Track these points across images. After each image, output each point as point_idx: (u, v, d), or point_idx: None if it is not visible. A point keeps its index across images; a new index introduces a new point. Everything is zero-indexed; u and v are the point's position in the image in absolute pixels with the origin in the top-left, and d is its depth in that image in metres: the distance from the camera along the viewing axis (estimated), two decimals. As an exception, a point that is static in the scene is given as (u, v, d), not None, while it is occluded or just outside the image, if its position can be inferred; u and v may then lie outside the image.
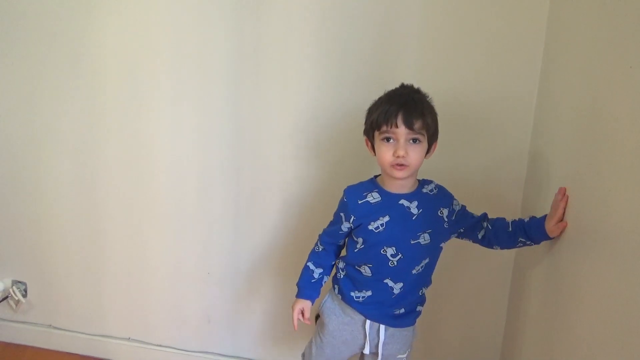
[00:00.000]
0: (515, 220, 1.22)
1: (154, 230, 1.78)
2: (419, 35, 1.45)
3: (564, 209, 1.07)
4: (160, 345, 1.91)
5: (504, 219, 1.25)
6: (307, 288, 1.33)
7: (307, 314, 1.33)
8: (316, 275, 1.33)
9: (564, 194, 1.07)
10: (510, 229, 1.21)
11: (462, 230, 1.26)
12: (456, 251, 1.47)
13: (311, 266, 1.34)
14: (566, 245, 1.08)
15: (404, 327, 1.28)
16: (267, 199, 1.67)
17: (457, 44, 1.44)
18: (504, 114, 1.45)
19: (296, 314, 1.32)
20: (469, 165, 1.51)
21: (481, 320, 1.64)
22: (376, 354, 1.28)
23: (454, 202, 1.25)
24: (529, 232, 1.17)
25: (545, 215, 1.13)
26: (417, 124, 1.10)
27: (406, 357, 1.32)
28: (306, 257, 1.38)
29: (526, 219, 1.20)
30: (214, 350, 1.87)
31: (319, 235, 1.36)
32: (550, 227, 1.10)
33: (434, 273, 1.30)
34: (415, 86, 1.20)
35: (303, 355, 1.49)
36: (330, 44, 1.51)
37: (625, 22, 0.88)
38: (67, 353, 1.98)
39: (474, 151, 1.50)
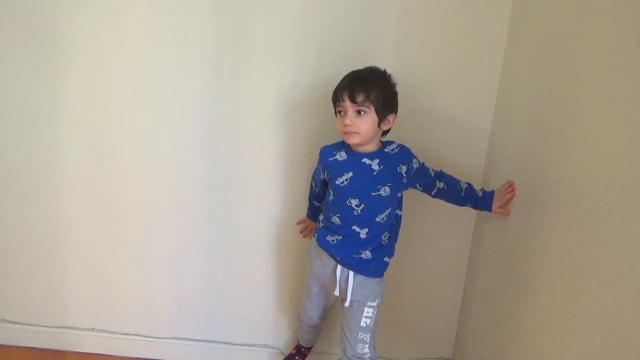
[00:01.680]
0: (468, 188, 1.46)
1: (123, 218, 1.75)
2: (396, 23, 1.54)
3: (508, 200, 1.36)
4: (127, 334, 1.88)
5: (458, 182, 1.46)
6: (310, 212, 1.65)
7: (305, 228, 1.70)
8: (315, 205, 1.62)
9: (513, 189, 1.34)
10: (463, 194, 1.45)
11: (419, 186, 1.45)
12: (417, 222, 1.66)
13: (313, 201, 1.62)
14: (515, 215, 1.31)
15: (372, 277, 1.43)
16: (242, 187, 1.70)
17: (429, 34, 1.54)
18: (469, 98, 1.59)
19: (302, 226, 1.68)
20: (438, 141, 1.63)
21: (441, 286, 1.80)
22: (343, 299, 1.43)
23: (413, 160, 1.41)
24: (477, 204, 1.45)
25: (493, 193, 1.41)
26: (360, 98, 1.28)
27: (376, 305, 1.45)
28: (278, 244, 1.74)
29: (479, 193, 1.45)
30: (186, 336, 1.88)
31: (312, 177, 1.58)
32: (494, 208, 1.40)
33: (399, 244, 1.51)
34: (385, 70, 1.36)
35: (299, 313, 1.68)
36: (310, 33, 1.55)
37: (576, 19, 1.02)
38: (24, 347, 1.89)
39: (442, 131, 1.62)
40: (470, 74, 1.56)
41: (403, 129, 1.57)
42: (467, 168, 1.63)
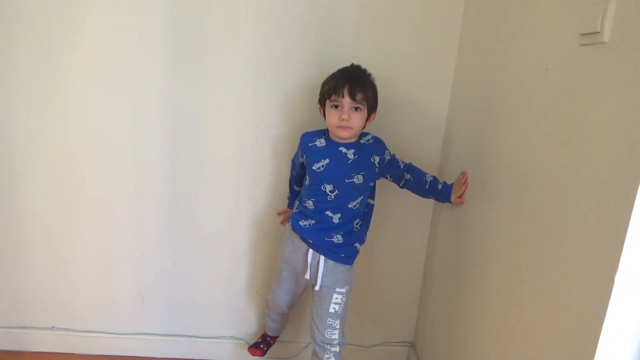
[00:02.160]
0: (432, 181, 1.55)
1: (82, 213, 1.71)
2: (355, 20, 1.56)
3: (464, 190, 1.43)
4: (89, 331, 1.85)
5: (424, 176, 1.55)
6: (291, 199, 1.68)
7: (282, 216, 1.71)
8: (296, 190, 1.65)
9: (466, 180, 1.42)
10: (427, 187, 1.54)
11: (390, 177, 1.54)
12: (378, 211, 1.69)
13: (294, 185, 1.65)
14: (467, 202, 1.37)
15: (342, 264, 1.48)
16: (203, 178, 1.69)
17: (388, 30, 1.58)
18: (426, 92, 1.64)
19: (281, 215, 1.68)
20: (397, 133, 1.67)
21: (401, 272, 1.85)
22: (314, 284, 1.48)
23: (386, 152, 1.50)
24: (439, 196, 1.53)
25: (451, 186, 1.50)
26: (359, 96, 1.37)
27: (345, 292, 1.50)
28: (242, 235, 1.71)
29: (440, 185, 1.53)
30: (149, 331, 1.86)
31: (292, 160, 1.62)
32: (453, 199, 1.49)
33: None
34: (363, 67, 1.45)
35: (267, 300, 1.70)
36: (271, 26, 1.56)
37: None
38: (-21, 349, 1.84)
39: (402, 122, 1.67)
40: (427, 68, 1.62)
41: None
42: (425, 158, 1.68)
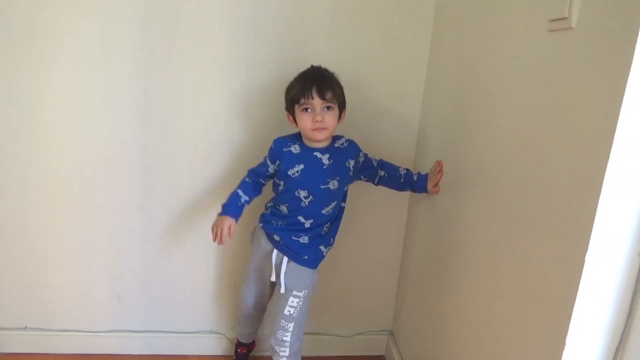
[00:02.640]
0: (406, 173, 1.54)
1: (53, 210, 1.67)
2: (328, 23, 1.56)
3: (440, 178, 1.43)
4: (63, 330, 1.81)
5: (397, 170, 1.54)
6: (234, 207, 1.47)
7: (233, 231, 1.43)
8: (242, 201, 1.48)
9: (441, 169, 1.41)
10: (402, 180, 1.53)
11: (364, 177, 1.53)
12: (356, 201, 1.71)
13: (240, 192, 1.49)
14: (442, 192, 1.38)
15: (304, 267, 1.47)
16: (178, 176, 1.66)
17: (359, 22, 1.57)
18: (400, 83, 1.65)
19: (226, 229, 1.41)
20: (372, 131, 1.68)
21: (380, 261, 1.87)
22: (278, 284, 1.47)
23: (360, 154, 1.50)
24: (415, 187, 1.52)
25: (426, 177, 1.49)
26: (329, 95, 1.35)
27: (302, 296, 1.47)
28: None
29: (415, 177, 1.53)
30: (126, 328, 1.83)
31: (248, 171, 1.52)
32: (429, 188, 1.48)
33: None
34: (323, 66, 1.42)
35: (238, 304, 1.68)
36: (244, 30, 1.54)
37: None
38: (-52, 353, 1.79)
39: (376, 121, 1.67)
40: (399, 61, 1.62)
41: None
42: (400, 153, 1.69)
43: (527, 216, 0.95)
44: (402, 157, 1.69)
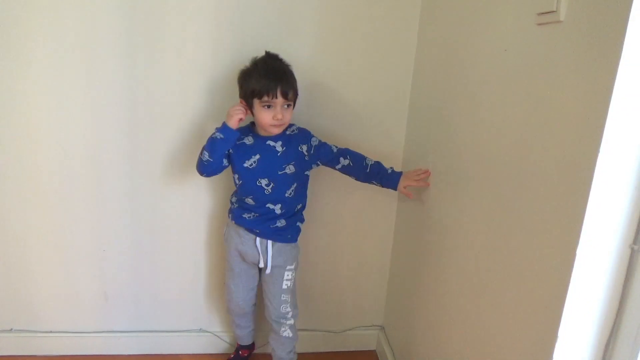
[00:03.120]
0: (374, 164, 1.52)
1: (38, 209, 1.64)
2: (314, 19, 1.55)
3: (419, 186, 1.45)
4: (50, 332, 1.79)
5: (364, 159, 1.53)
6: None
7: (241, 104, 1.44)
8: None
9: (427, 177, 1.43)
10: (368, 170, 1.51)
11: (320, 162, 1.54)
12: (346, 197, 1.72)
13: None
14: (433, 185, 1.36)
15: (287, 243, 1.56)
16: (164, 173, 1.64)
17: (347, 15, 1.56)
18: (387, 85, 1.65)
19: (237, 109, 1.42)
20: (360, 131, 1.68)
21: (370, 255, 1.87)
22: (265, 266, 1.54)
23: (312, 139, 1.53)
24: (383, 181, 1.51)
25: (400, 174, 1.49)
26: (290, 94, 1.41)
27: (294, 268, 1.59)
28: (205, 225, 1.73)
29: (388, 170, 1.51)
30: (114, 328, 1.82)
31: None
32: (400, 187, 1.48)
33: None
34: (276, 53, 1.45)
35: (227, 307, 1.70)
36: (228, 18, 1.52)
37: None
38: None
39: (362, 120, 1.67)
40: (387, 54, 1.61)
41: (325, 121, 1.64)
42: (388, 152, 1.70)
43: (516, 210, 0.95)
44: (390, 153, 1.69)
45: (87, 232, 1.68)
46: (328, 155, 1.52)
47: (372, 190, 1.72)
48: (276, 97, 1.37)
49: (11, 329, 1.78)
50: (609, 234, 0.76)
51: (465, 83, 1.22)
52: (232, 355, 1.78)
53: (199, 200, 1.69)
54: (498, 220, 1.03)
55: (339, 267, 1.85)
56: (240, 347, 1.76)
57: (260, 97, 1.38)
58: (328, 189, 1.71)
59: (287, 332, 1.61)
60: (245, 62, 1.50)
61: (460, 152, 1.24)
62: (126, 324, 1.82)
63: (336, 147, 1.54)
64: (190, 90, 1.56)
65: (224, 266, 1.78)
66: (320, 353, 1.90)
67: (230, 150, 1.47)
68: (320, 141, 1.54)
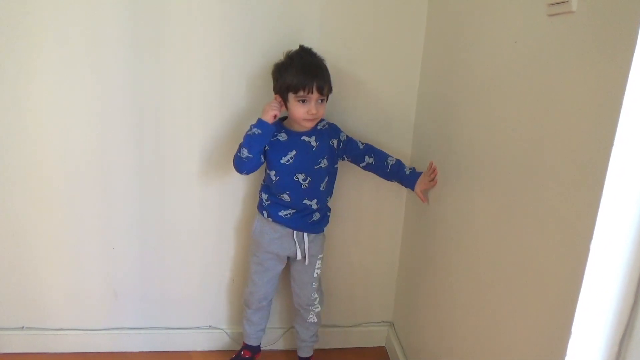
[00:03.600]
0: (394, 164, 1.56)
1: (47, 209, 1.64)
2: (321, 12, 1.54)
3: (429, 187, 1.48)
4: (60, 329, 1.80)
5: (386, 159, 1.56)
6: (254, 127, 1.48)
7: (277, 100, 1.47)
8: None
9: (435, 177, 1.44)
10: (389, 170, 1.56)
11: (347, 157, 1.58)
12: (353, 191, 1.72)
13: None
14: (444, 181, 1.33)
15: (319, 233, 1.62)
16: (171, 170, 1.64)
17: (353, 10, 1.55)
18: (395, 71, 1.63)
19: (273, 105, 1.44)
20: (367, 123, 1.68)
21: (379, 251, 1.86)
22: (304, 258, 1.59)
23: (341, 134, 1.57)
24: (403, 181, 1.57)
25: (417, 177, 1.52)
26: (325, 89, 1.43)
27: (323, 256, 1.67)
28: (214, 223, 1.73)
29: (407, 170, 1.55)
30: (124, 325, 1.82)
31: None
32: (416, 190, 1.52)
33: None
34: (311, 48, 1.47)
35: (245, 299, 1.71)
36: (236, 13, 1.51)
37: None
38: (-55, 355, 1.77)
39: (371, 113, 1.67)
40: (395, 49, 1.60)
41: (333, 112, 1.63)
42: (397, 145, 1.69)
43: (528, 204, 0.94)
44: (398, 147, 1.68)
45: (96, 231, 1.68)
46: (355, 151, 1.56)
47: (380, 186, 1.72)
48: (312, 92, 1.39)
49: (22, 327, 1.79)
50: (624, 228, 0.74)
51: (474, 76, 1.21)
52: (235, 355, 1.76)
53: (208, 197, 1.69)
54: (509, 215, 1.02)
55: (348, 263, 1.84)
56: (245, 347, 1.75)
57: (295, 92, 1.40)
58: (336, 186, 1.70)
59: (313, 318, 1.68)
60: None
61: (469, 147, 1.22)
62: (136, 321, 1.82)
63: (362, 143, 1.57)
64: (197, 89, 1.56)
65: (232, 263, 1.78)
66: (330, 349, 1.90)
67: (267, 147, 1.49)
68: (347, 136, 1.57)
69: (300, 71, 1.39)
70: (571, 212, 0.80)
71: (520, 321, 0.96)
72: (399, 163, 1.56)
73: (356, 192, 1.74)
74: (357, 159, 1.57)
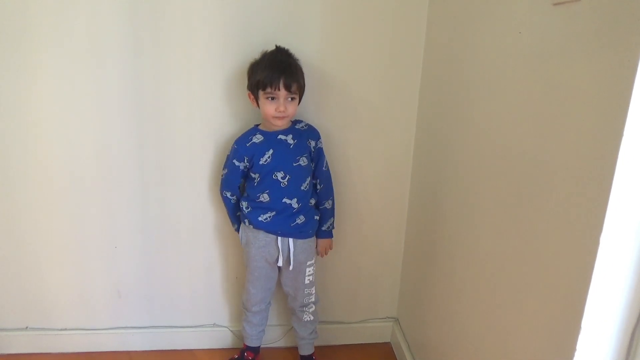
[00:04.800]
0: (326, 211, 1.63)
1: (49, 209, 1.63)
2: (321, 15, 1.52)
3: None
4: (64, 329, 1.79)
5: (327, 200, 1.62)
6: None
7: None
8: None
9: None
10: (320, 208, 1.62)
11: (312, 166, 1.57)
12: (355, 187, 1.71)
13: (231, 197, 1.59)
14: (450, 176, 1.30)
15: (307, 239, 1.58)
16: (174, 166, 1.63)
17: (353, 14, 1.54)
18: (397, 65, 1.60)
19: None
20: (367, 134, 1.67)
21: (383, 247, 1.85)
22: (288, 264, 1.57)
23: (319, 141, 1.57)
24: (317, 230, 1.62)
25: (326, 236, 1.64)
26: (294, 87, 1.42)
27: (314, 262, 1.63)
28: (216, 220, 1.71)
29: (322, 227, 1.63)
30: (128, 324, 1.82)
31: (223, 187, 1.58)
32: (320, 243, 1.64)
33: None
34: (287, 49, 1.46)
35: (243, 303, 1.70)
36: (237, 16, 1.50)
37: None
38: (-51, 356, 1.76)
39: (370, 123, 1.66)
40: (396, 42, 1.57)
41: (333, 123, 1.64)
42: (400, 139, 1.68)
43: (536, 197, 0.92)
44: (401, 141, 1.67)
45: (98, 230, 1.68)
46: (318, 166, 1.57)
47: (384, 181, 1.72)
48: (279, 89, 1.38)
49: (26, 327, 1.78)
50: (634, 222, 0.73)
51: (477, 67, 1.19)
52: (237, 356, 1.75)
53: (210, 196, 1.67)
54: (516, 208, 1.00)
55: (352, 258, 1.83)
56: (246, 349, 1.73)
57: (264, 89, 1.40)
58: (340, 181, 1.69)
59: (309, 317, 1.68)
60: (250, 60, 1.49)
61: (475, 140, 1.20)
62: (140, 320, 1.82)
63: (327, 167, 1.60)
64: (198, 89, 1.55)
65: (236, 260, 1.77)
66: (334, 346, 1.89)
67: (244, 159, 1.50)
68: (322, 149, 1.58)
69: (269, 67, 1.39)
70: (580, 206, 0.78)
71: (528, 316, 0.95)
72: (327, 212, 1.62)
73: (360, 187, 1.72)
74: (315, 171, 1.58)
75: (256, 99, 1.45)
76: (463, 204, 1.28)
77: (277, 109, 1.41)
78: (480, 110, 1.17)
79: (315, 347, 1.77)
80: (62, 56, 1.47)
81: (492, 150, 1.10)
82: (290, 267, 1.57)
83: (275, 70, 1.38)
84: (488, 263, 1.12)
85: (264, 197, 1.50)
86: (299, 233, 1.55)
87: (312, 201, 1.58)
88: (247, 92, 1.48)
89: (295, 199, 1.51)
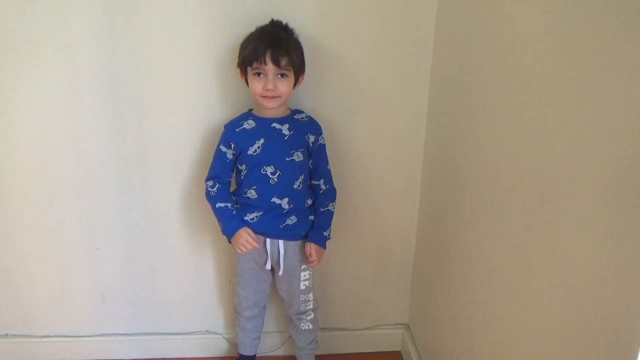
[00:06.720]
0: (323, 213, 1.42)
1: (24, 209, 1.52)
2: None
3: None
4: (47, 336, 1.68)
5: (327, 203, 1.43)
6: (232, 220, 1.37)
7: (253, 237, 1.36)
8: (230, 207, 1.38)
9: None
10: (322, 210, 1.42)
11: (311, 164, 1.39)
12: (364, 189, 1.53)
13: (221, 205, 1.38)
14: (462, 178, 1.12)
15: (300, 241, 1.42)
16: (157, 162, 1.49)
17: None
18: (404, 65, 1.44)
19: (247, 242, 1.35)
20: (377, 131, 1.52)
21: (393, 252, 1.69)
22: (277, 268, 1.43)
23: (321, 136, 1.40)
24: (312, 228, 1.42)
25: (321, 241, 1.40)
26: (284, 61, 1.24)
27: (308, 267, 1.46)
28: (206, 218, 1.52)
29: (325, 233, 1.42)
30: (114, 331, 1.69)
31: (206, 181, 1.40)
32: (309, 244, 1.39)
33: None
34: (284, 22, 1.29)
35: (235, 308, 1.57)
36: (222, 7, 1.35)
37: None
38: None
39: (380, 121, 1.50)
40: (403, 39, 1.41)
41: (345, 118, 1.49)
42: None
43: (561, 199, 0.75)
44: (410, 135, 1.51)
45: (78, 230, 1.55)
46: (318, 164, 1.40)
47: (393, 182, 1.57)
48: (265, 64, 1.22)
49: (6, 334, 1.68)
50: None
51: (490, 66, 1.01)
52: None
53: (198, 191, 1.52)
54: (537, 209, 0.84)
55: (360, 262, 1.67)
56: (241, 358, 1.60)
57: (250, 64, 1.25)
58: (346, 182, 1.53)
59: (307, 326, 1.53)
60: (237, 43, 1.34)
61: (488, 142, 1.05)
62: (127, 327, 1.69)
63: (329, 169, 1.43)
64: (180, 81, 1.41)
65: (230, 263, 1.63)
66: (339, 355, 1.74)
67: (233, 144, 1.34)
68: (324, 145, 1.41)
69: (256, 39, 1.24)
70: (609, 210, 0.61)
71: (550, 325, 0.80)
72: (324, 217, 1.42)
73: (367, 186, 1.57)
74: (314, 174, 1.41)
75: (246, 76, 1.30)
76: (482, 205, 1.10)
77: (264, 87, 1.25)
78: (495, 109, 1.01)
79: (318, 356, 1.62)
80: (31, 49, 1.34)
81: (513, 149, 0.93)
82: (280, 272, 1.43)
83: (262, 42, 1.22)
84: (508, 266, 0.96)
85: (251, 194, 1.35)
86: (290, 235, 1.40)
87: (309, 202, 1.41)
88: (238, 71, 1.33)
89: (286, 199, 1.34)
